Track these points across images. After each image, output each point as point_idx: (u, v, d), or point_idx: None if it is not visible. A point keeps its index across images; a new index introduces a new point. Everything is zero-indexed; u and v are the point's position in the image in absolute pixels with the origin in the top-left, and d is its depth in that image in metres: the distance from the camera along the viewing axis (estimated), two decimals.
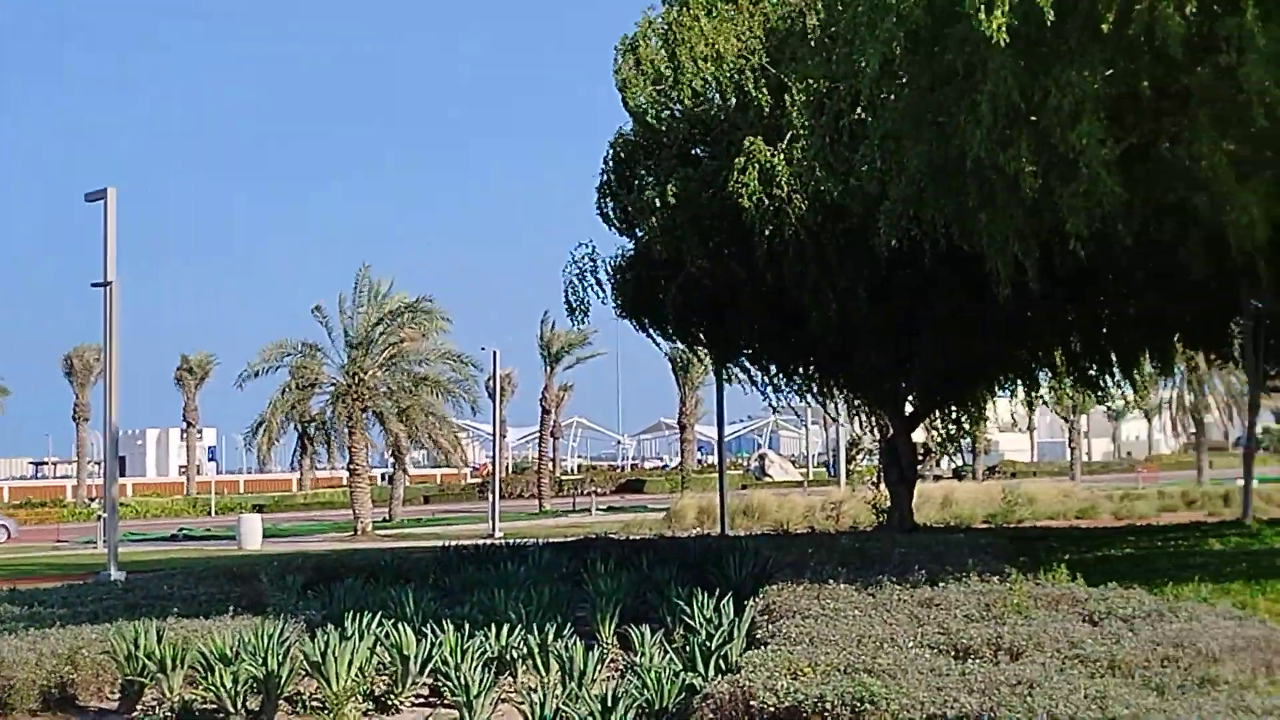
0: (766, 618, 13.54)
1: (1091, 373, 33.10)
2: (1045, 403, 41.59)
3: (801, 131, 21.41)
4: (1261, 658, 10.57)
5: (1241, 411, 64.83)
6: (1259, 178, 15.38)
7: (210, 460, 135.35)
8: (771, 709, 9.29)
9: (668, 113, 28.37)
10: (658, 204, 26.32)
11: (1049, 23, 14.39)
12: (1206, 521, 33.07)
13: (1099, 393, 36.79)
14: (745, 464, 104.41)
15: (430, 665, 13.61)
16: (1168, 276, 24.53)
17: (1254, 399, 31.43)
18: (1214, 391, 78.61)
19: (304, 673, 13.39)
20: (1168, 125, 15.90)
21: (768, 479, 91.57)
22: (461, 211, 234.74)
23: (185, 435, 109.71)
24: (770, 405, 36.33)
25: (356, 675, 13.09)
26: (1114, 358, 32.14)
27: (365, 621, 14.59)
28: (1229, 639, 11.00)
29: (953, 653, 10.96)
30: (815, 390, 35.20)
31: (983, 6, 14.11)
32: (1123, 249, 20.39)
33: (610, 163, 29.58)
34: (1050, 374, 33.46)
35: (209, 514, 76.44)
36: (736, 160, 24.84)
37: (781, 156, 24.31)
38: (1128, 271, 23.83)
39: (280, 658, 13.12)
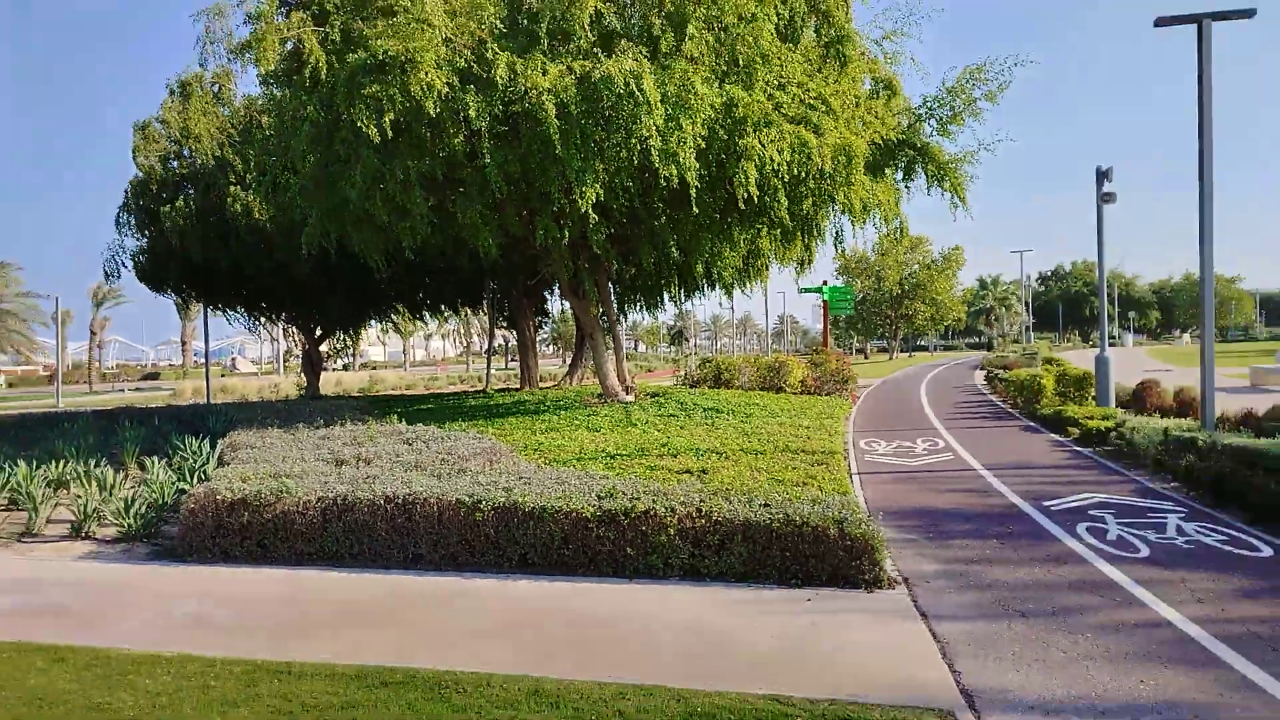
0: (230, 449, 12.58)
1: (420, 315, 33.20)
2: (392, 329, 41.58)
3: (256, 184, 19.76)
4: (489, 457, 11.14)
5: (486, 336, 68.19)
6: (491, 225, 16.21)
7: None
8: (229, 500, 8.88)
9: (170, 165, 25.47)
10: (179, 221, 23.85)
11: (393, 135, 14.34)
12: (469, 390, 34.45)
13: (422, 322, 37.26)
14: (224, 363, 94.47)
15: (8, 487, 11.69)
16: (455, 269, 25.38)
17: (491, 331, 33.85)
18: (474, 324, 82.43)
19: None
20: (450, 194, 16.30)
21: (238, 372, 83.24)
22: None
23: None
24: (248, 328, 33.37)
25: None
26: (429, 305, 32.32)
27: None
28: (473, 449, 11.48)
29: (335, 463, 10.80)
30: (266, 322, 32.83)
31: (368, 119, 13.73)
32: (436, 254, 20.76)
33: (128, 194, 25.93)
34: (400, 314, 33.26)
35: None
36: (228, 198, 23.24)
37: (255, 198, 22.60)
38: (438, 265, 24.43)
39: None
